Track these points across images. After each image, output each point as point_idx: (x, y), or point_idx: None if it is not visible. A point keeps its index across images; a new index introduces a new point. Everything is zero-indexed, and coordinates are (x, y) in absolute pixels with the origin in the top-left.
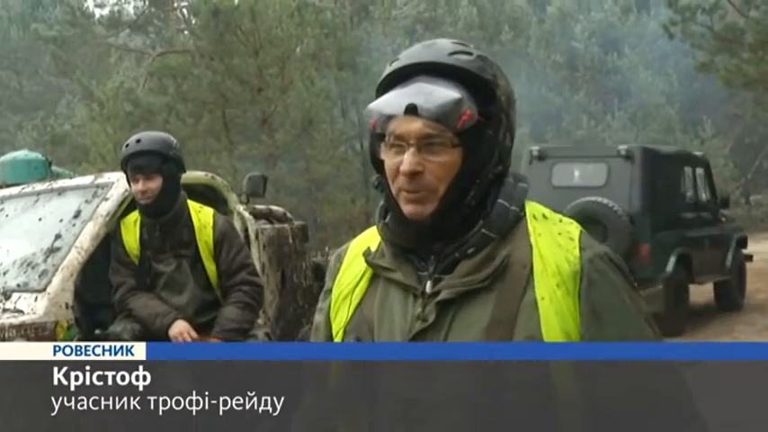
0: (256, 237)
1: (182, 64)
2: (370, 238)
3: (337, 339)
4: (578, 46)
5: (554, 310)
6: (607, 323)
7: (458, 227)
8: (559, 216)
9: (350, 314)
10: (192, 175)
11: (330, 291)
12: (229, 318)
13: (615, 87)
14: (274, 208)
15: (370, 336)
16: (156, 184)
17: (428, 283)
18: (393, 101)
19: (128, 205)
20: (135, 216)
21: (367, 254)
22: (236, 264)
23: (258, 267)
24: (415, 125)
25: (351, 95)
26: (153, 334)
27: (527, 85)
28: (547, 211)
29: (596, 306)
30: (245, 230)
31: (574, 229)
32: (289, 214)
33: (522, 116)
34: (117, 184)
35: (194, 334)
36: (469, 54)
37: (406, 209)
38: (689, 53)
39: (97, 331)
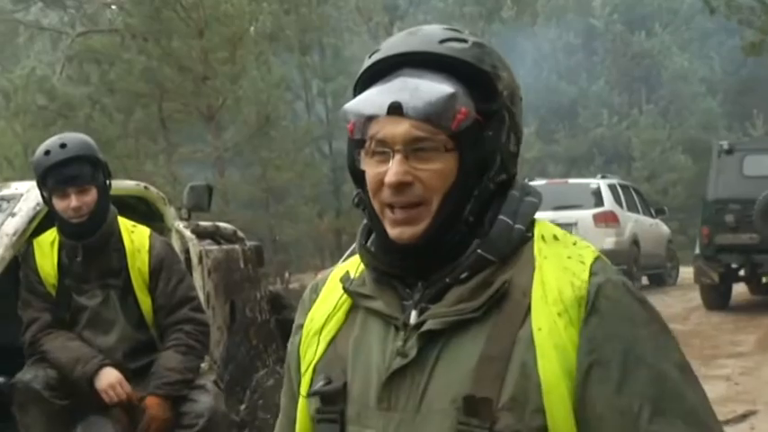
0: (200, 260)
1: (108, 46)
2: (354, 262)
3: (305, 379)
4: (597, 24)
5: (553, 344)
6: (606, 362)
7: (452, 248)
8: (574, 238)
9: (321, 350)
10: (121, 185)
11: (301, 326)
12: (169, 367)
13: (643, 74)
14: (222, 225)
15: (342, 376)
16: (91, 197)
17: (412, 313)
18: (373, 99)
19: (40, 222)
20: (52, 236)
21: (345, 280)
22: (177, 297)
23: (202, 298)
24: (401, 127)
25: (317, 85)
26: (73, 383)
27: (534, 73)
28: (560, 233)
29: (596, 338)
30: (186, 252)
31: (589, 253)
32: (240, 233)
33: (528, 111)
34: (27, 195)
35: (127, 387)
36: (464, 41)
37: (393, 232)
38: (735, 32)
39: (1, 379)
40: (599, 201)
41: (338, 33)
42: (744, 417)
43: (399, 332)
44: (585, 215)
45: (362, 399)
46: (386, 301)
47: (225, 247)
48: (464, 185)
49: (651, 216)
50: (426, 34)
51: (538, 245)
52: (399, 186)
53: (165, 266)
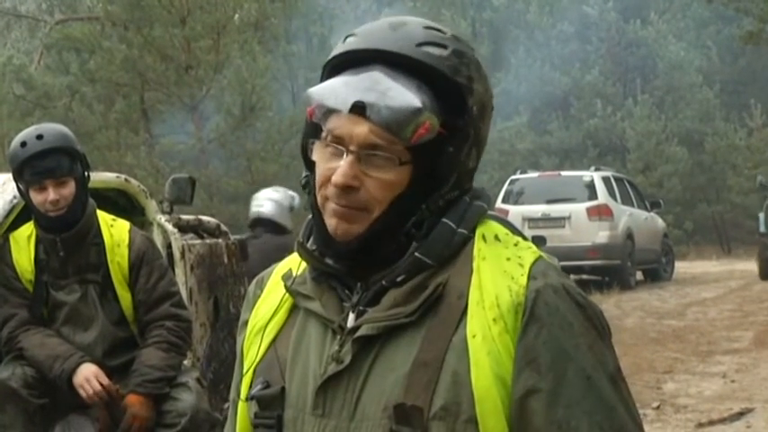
0: (182, 255)
1: (87, 34)
2: (296, 259)
3: (245, 382)
4: (591, 12)
5: (486, 350)
6: (544, 372)
7: (388, 252)
8: (517, 239)
9: (262, 352)
10: (100, 178)
11: (246, 323)
12: (150, 364)
13: (638, 64)
14: (205, 219)
15: (281, 380)
16: (69, 190)
17: (350, 316)
18: (339, 91)
19: (17, 215)
20: (29, 230)
21: (287, 277)
22: (158, 293)
23: (185, 294)
24: (360, 129)
25: (303, 75)
26: (51, 381)
27: (526, 63)
28: (503, 233)
29: (534, 347)
30: (168, 247)
31: (528, 254)
32: (224, 227)
33: (521, 102)
34: (3, 188)
35: (106, 381)
36: (443, 47)
37: (331, 223)
38: (733, 20)
39: None
40: (592, 194)
41: (325, 21)
42: (740, 414)
43: (336, 336)
44: (579, 208)
45: (299, 404)
46: (324, 302)
47: (208, 241)
48: (411, 199)
49: (646, 209)
50: (407, 32)
51: (478, 245)
52: (345, 188)
53: (145, 261)
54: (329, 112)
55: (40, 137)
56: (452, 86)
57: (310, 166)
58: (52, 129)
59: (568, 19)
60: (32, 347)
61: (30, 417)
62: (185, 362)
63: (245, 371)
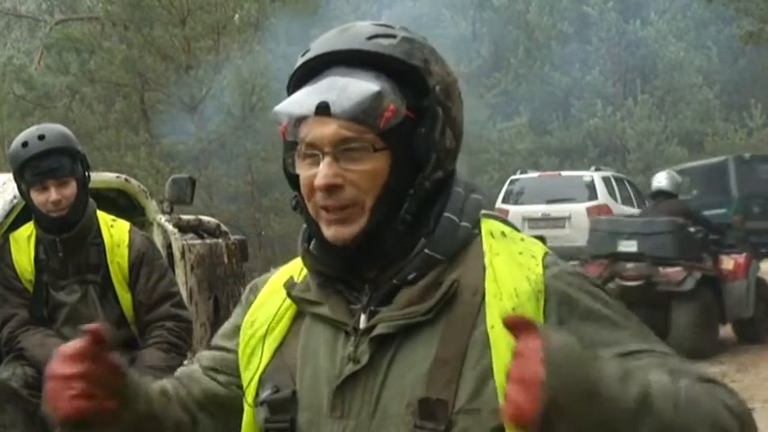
0: (182, 255)
1: (88, 34)
2: (295, 266)
3: (250, 390)
4: (591, 12)
5: (506, 341)
6: (575, 330)
7: (392, 249)
8: (522, 235)
9: (266, 359)
10: (101, 178)
11: (238, 329)
12: (150, 365)
13: (638, 64)
14: (205, 219)
15: (291, 383)
16: (71, 190)
17: (362, 318)
18: (302, 100)
19: (17, 215)
20: (28, 230)
21: (289, 285)
22: (158, 293)
23: (185, 294)
24: (329, 128)
25: None
26: None
27: (526, 62)
28: (507, 229)
29: (561, 319)
30: (168, 247)
31: (538, 248)
32: (224, 226)
33: (520, 102)
34: (3, 187)
35: None
36: (392, 37)
37: (328, 232)
38: (733, 20)
39: None
40: (593, 194)
41: (325, 22)
42: None
43: (350, 337)
44: (579, 208)
45: (314, 406)
46: (332, 305)
47: (208, 241)
48: (397, 185)
49: None
50: (355, 32)
51: (487, 241)
52: (329, 189)
53: (145, 262)
54: (298, 121)
55: (41, 137)
56: (410, 70)
57: (295, 185)
58: (53, 129)
59: (568, 19)
60: (32, 347)
61: (30, 417)
62: (185, 362)
63: (248, 378)
